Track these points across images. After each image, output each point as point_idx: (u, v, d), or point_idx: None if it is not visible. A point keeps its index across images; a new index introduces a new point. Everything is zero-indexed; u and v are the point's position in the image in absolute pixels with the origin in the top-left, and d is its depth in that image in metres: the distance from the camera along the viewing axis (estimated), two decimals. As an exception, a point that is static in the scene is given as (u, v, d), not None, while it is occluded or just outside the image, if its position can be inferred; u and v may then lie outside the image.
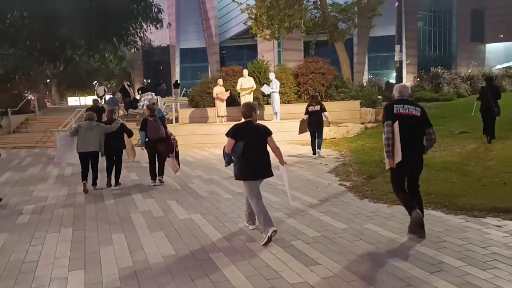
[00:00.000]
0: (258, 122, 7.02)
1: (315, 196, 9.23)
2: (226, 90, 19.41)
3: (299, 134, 14.87)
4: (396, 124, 6.30)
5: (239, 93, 19.37)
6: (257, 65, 21.32)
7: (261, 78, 20.68)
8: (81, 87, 54.48)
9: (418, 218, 6.35)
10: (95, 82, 61.26)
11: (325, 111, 14.30)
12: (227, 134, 6.72)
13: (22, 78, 35.66)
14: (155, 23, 34.32)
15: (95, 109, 16.11)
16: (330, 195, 9.24)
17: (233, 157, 6.82)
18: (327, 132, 15.66)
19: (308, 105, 14.44)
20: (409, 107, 6.48)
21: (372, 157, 13.41)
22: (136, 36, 34.59)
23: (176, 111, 22.01)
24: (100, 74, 48.18)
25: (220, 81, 19.50)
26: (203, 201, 9.13)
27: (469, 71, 38.60)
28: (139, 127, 11.05)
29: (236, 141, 6.58)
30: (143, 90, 26.27)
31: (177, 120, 21.33)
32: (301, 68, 21.09)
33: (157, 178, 11.00)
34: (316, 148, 14.36)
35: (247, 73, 19.23)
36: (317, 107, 14.19)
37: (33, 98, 30.22)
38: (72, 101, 60.83)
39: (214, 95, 19.22)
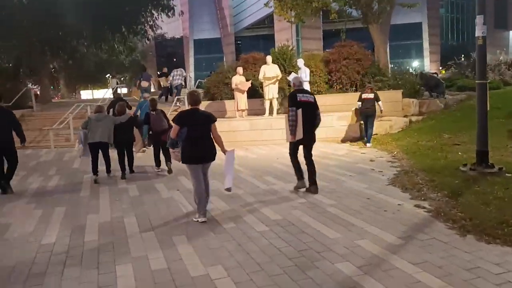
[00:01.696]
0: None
1: (389, 227, 6.17)
2: (247, 80, 16.37)
3: (355, 122, 14.86)
4: (300, 111, 8.05)
5: (261, 83, 16.34)
6: (281, 51, 18.15)
7: (286, 66, 17.56)
8: (91, 80, 51.62)
9: (301, 186, 8.39)
10: (108, 75, 59.05)
11: (379, 100, 13.63)
12: (173, 120, 7.00)
13: (27, 71, 33.17)
14: (166, 11, 31.73)
15: (117, 100, 15.03)
16: (411, 227, 6.17)
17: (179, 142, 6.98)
18: (367, 126, 13.25)
19: (362, 93, 13.75)
20: (307, 95, 8.43)
21: (438, 161, 10.33)
22: (146, 24, 32.17)
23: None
24: (110, 66, 45.26)
25: (240, 69, 16.42)
26: (226, 239, 6.06)
27: (501, 58, 35.21)
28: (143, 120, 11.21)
29: (181, 127, 6.81)
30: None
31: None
32: (333, 54, 17.86)
33: (166, 165, 10.97)
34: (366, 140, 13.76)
35: (271, 60, 16.13)
36: (371, 95, 13.43)
37: (33, 90, 27.18)
38: (85, 94, 58.15)
39: (233, 86, 16.17)
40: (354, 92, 17.17)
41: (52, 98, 35.59)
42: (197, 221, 6.83)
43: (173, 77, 21.83)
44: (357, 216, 6.72)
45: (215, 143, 7.01)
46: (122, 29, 30.87)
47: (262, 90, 16.38)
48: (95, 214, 7.67)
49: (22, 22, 25.71)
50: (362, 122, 14.36)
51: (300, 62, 15.78)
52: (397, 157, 11.42)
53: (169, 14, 32.02)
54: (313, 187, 8.30)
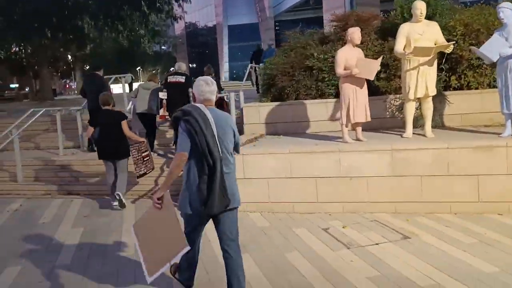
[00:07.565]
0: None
1: None
2: (367, 56, 7.09)
3: None
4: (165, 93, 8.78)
5: (395, 62, 7.12)
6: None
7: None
8: (114, 72, 43.44)
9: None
10: (139, 68, 51.32)
11: None
12: (88, 122, 7.78)
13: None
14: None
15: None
16: None
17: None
18: None
19: None
20: (177, 76, 8.86)
21: None
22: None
23: (238, 107, 9.71)
24: (133, 55, 36.87)
25: (356, 33, 6.89)
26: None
27: None
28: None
29: (94, 128, 7.26)
30: None
31: (241, 129, 8.94)
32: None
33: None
34: None
35: (424, 13, 6.75)
36: None
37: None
38: (117, 88, 50.30)
39: (339, 70, 6.80)
40: None
41: (57, 94, 27.57)
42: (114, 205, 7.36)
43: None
44: None
45: (125, 142, 7.32)
46: (142, 6, 22.61)
47: (405, 77, 7.06)
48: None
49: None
50: None
51: (506, 11, 6.33)
52: None
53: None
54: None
